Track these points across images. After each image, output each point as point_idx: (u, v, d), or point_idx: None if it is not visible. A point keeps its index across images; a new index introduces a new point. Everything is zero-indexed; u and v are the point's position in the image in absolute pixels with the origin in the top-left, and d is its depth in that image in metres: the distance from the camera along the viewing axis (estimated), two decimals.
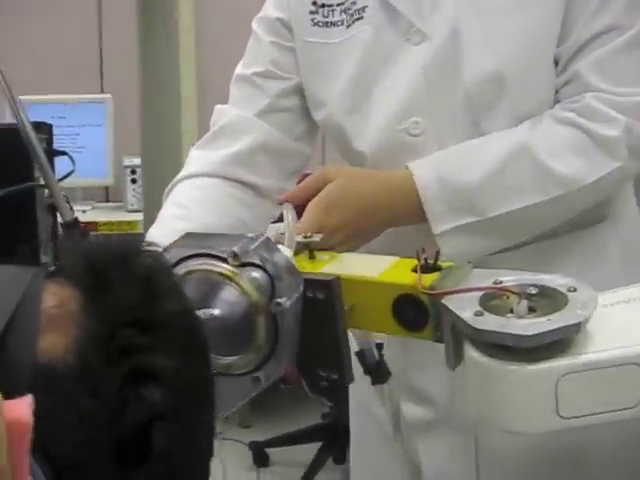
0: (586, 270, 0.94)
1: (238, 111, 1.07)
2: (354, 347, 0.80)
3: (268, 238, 0.68)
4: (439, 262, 0.72)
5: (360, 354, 0.80)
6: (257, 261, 0.66)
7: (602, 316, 0.64)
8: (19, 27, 3.20)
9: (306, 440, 2.80)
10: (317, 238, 0.78)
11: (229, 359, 0.67)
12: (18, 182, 1.66)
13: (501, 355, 0.62)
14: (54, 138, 2.17)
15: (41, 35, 3.20)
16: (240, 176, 1.04)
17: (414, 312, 0.70)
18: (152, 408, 0.45)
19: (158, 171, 2.19)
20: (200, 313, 0.65)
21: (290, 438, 2.84)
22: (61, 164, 1.92)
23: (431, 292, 0.68)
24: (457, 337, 0.68)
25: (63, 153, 1.91)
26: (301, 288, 0.67)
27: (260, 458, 2.80)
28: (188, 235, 0.69)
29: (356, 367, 0.76)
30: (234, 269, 0.65)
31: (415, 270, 0.72)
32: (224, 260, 0.65)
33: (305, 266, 0.74)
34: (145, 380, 0.45)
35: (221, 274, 0.65)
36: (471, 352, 0.65)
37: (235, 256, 0.65)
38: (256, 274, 0.65)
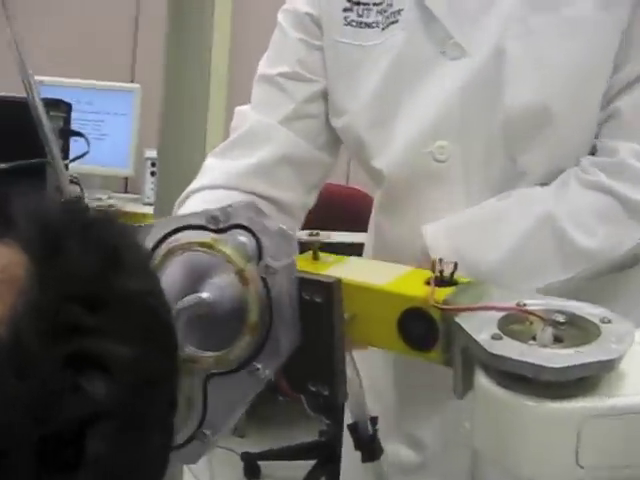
0: (629, 309, 0.85)
1: (260, 116, 0.97)
2: (347, 419, 0.74)
3: (254, 202, 0.61)
4: (456, 276, 0.64)
5: (353, 427, 0.75)
6: (242, 221, 0.58)
7: (637, 355, 0.56)
8: (55, 9, 3.16)
9: (300, 456, 2.72)
10: (323, 237, 0.70)
11: (221, 352, 0.59)
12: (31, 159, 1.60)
13: (518, 387, 0.53)
14: (77, 122, 2.13)
15: (77, 17, 3.16)
16: (259, 189, 0.93)
17: (422, 329, 0.62)
18: (92, 404, 0.37)
19: (175, 167, 2.13)
20: (186, 300, 0.57)
21: (284, 452, 2.75)
22: (80, 147, 1.87)
23: (444, 307, 0.60)
24: (468, 362, 0.60)
25: (78, 134, 1.86)
26: (295, 254, 0.60)
27: (251, 470, 2.72)
28: (170, 217, 0.62)
29: (348, 441, 0.69)
30: (215, 235, 0.57)
31: (428, 282, 0.64)
32: (205, 228, 0.58)
33: (307, 267, 0.66)
34: (89, 369, 0.37)
35: (202, 244, 0.57)
36: (483, 380, 0.56)
37: (215, 220, 0.57)
38: (243, 238, 0.58)
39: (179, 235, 0.58)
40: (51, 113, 1.67)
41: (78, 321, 0.38)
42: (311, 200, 0.99)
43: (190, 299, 0.58)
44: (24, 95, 1.48)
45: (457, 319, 0.59)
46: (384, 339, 0.64)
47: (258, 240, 0.58)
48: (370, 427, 0.74)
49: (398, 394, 0.95)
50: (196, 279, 0.59)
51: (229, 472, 2.65)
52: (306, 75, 0.97)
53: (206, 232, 0.58)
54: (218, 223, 0.57)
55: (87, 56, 3.14)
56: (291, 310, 0.59)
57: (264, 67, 1.00)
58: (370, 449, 0.74)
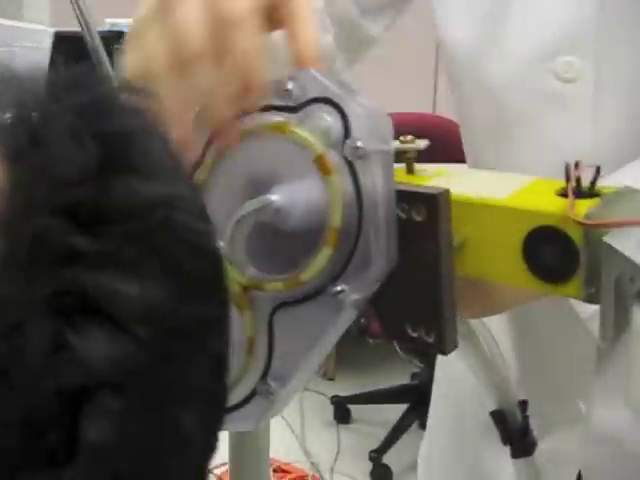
0: None
1: None
2: (490, 405, 0.59)
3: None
4: (599, 186, 0.49)
5: (497, 415, 0.59)
6: (325, 94, 0.44)
7: None
8: None
9: (392, 400, 2.61)
10: (421, 144, 0.56)
11: (293, 272, 0.46)
12: None
13: None
14: None
15: None
16: None
17: (556, 254, 0.47)
18: (87, 370, 0.24)
19: None
20: (246, 206, 0.44)
21: (375, 396, 2.65)
22: None
23: (589, 222, 0.44)
24: (622, 297, 0.45)
25: None
26: (392, 139, 0.46)
27: (341, 414, 2.63)
28: None
29: (491, 430, 0.56)
30: (288, 114, 0.44)
31: (563, 194, 0.48)
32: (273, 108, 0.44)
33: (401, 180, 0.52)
34: (82, 318, 0.24)
35: (268, 127, 0.44)
36: None
37: (287, 94, 0.43)
38: (325, 116, 0.44)
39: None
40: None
41: (65, 245, 0.25)
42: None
43: (251, 204, 0.44)
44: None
45: (606, 239, 0.44)
46: (505, 271, 0.49)
47: (345, 118, 0.44)
48: (519, 414, 0.59)
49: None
50: (260, 180, 0.45)
51: (319, 416, 2.57)
52: None
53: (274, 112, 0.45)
54: (291, 98, 0.44)
55: None
56: (387, 214, 0.44)
57: None
58: (522, 442, 0.59)
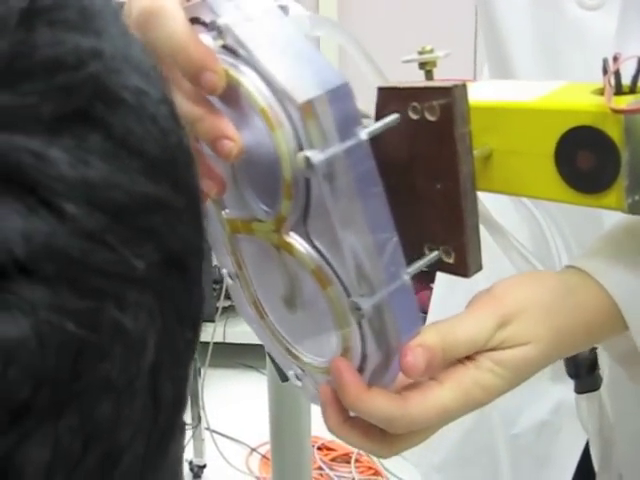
0: None
1: None
2: None
3: None
4: None
5: None
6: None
7: None
8: None
9: None
10: (440, 53, 0.50)
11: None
12: None
13: None
14: None
15: None
16: None
17: (594, 159, 0.41)
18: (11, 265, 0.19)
19: None
20: None
21: None
22: None
23: (632, 108, 0.38)
24: None
25: None
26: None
27: None
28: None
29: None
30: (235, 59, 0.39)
31: (599, 93, 0.42)
32: None
33: None
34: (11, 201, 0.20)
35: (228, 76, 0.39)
36: None
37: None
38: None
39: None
40: None
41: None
42: None
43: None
44: None
45: None
46: (536, 181, 0.44)
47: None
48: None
49: None
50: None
51: None
52: None
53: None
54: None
55: None
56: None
57: None
58: (588, 377, 0.54)
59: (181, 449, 0.29)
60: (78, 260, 0.21)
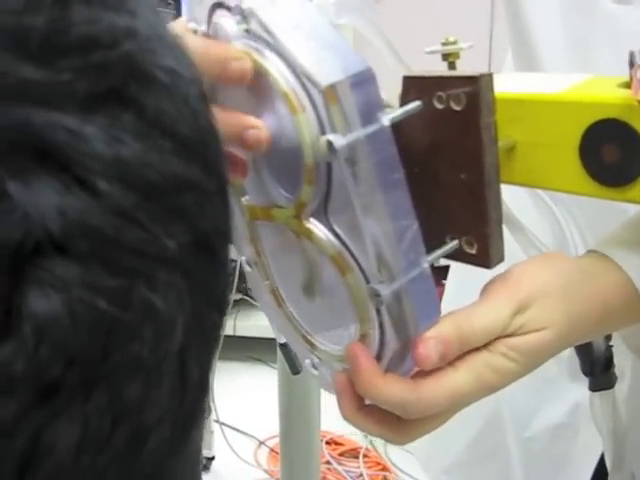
0: None
1: None
2: None
3: None
4: None
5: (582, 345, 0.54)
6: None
7: None
8: None
9: None
10: (464, 45, 0.50)
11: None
12: None
13: None
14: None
15: None
16: None
17: (619, 152, 0.41)
18: (29, 224, 0.19)
19: None
20: None
21: None
22: None
23: None
24: None
25: None
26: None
27: None
28: None
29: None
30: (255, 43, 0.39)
31: (625, 86, 0.42)
32: None
33: None
34: (29, 163, 0.20)
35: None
36: None
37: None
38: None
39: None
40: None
41: (12, 75, 0.20)
42: None
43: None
44: None
45: None
46: (559, 174, 0.43)
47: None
48: (604, 344, 0.54)
49: None
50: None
51: None
52: None
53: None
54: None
55: None
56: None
57: None
58: (603, 374, 0.54)
59: (201, 437, 0.29)
60: (111, 238, 0.21)
